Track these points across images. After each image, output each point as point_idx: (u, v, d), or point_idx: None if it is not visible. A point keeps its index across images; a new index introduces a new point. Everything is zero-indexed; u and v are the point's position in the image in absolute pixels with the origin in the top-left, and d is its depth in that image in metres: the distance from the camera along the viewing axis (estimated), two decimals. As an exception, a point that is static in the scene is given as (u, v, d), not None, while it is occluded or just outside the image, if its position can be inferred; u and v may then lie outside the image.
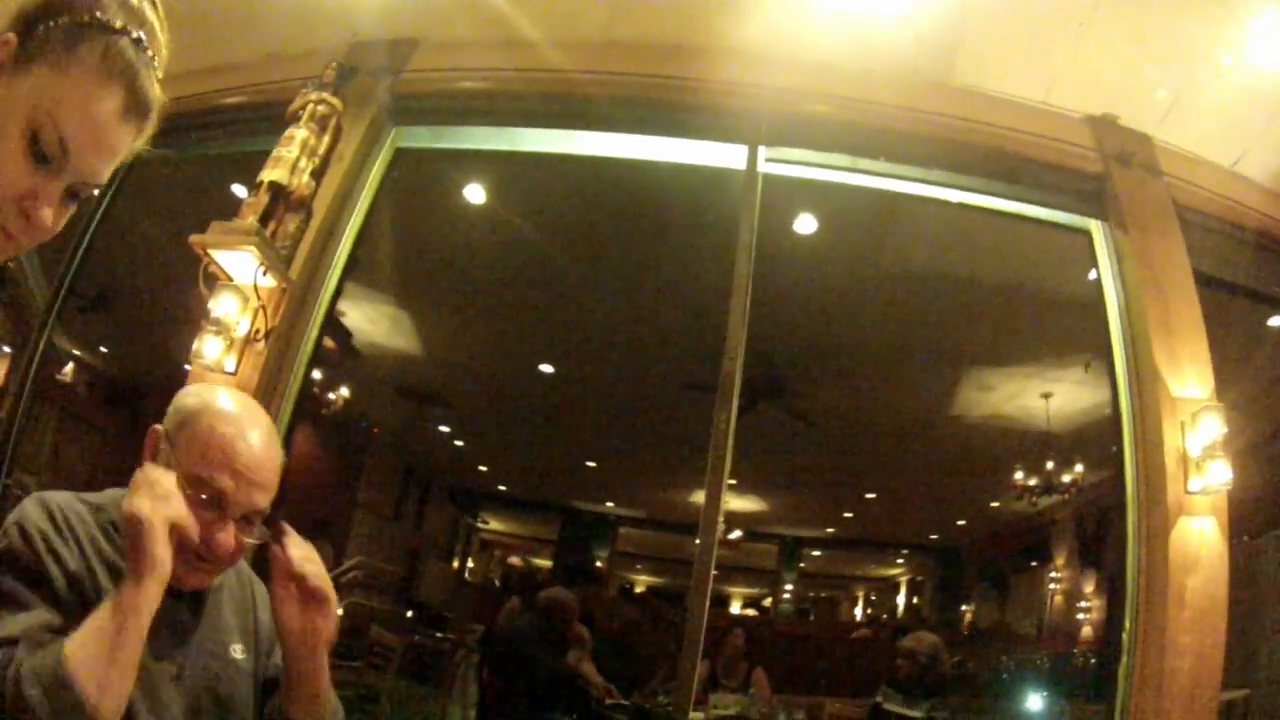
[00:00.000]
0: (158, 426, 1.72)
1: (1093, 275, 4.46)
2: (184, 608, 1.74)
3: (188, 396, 1.77)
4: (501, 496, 9.67)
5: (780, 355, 7.43)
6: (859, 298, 6.64)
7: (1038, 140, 4.41)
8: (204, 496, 1.65)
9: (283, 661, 1.79)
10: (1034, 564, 7.34)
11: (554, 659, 5.48)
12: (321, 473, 7.82)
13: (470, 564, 8.90)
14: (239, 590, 1.90)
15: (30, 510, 1.60)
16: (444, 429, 9.14)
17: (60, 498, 1.67)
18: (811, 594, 9.75)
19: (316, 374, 4.68)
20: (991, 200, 4.68)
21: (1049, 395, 6.78)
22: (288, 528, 1.75)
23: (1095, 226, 4.47)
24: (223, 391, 1.80)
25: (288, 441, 4.12)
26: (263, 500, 1.73)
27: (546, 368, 8.50)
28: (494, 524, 9.70)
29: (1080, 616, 6.26)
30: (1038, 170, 4.46)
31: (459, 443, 9.42)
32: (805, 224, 5.66)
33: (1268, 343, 5.03)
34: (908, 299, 6.49)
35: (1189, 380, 3.81)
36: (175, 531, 1.57)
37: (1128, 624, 3.71)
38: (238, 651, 1.83)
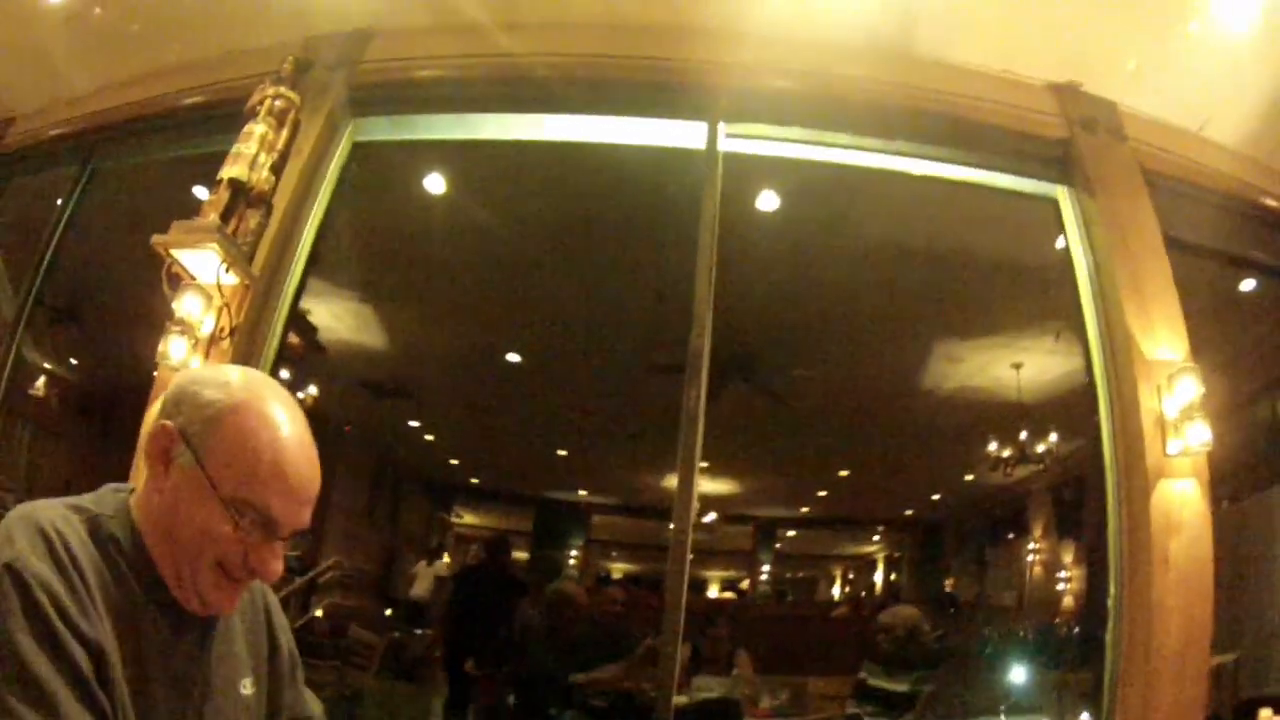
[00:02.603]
0: (168, 423, 1.43)
1: (1060, 243, 4.46)
2: (194, 637, 1.49)
3: (207, 387, 1.46)
4: (474, 489, 9.64)
5: (747, 334, 7.41)
6: (825, 273, 6.62)
7: (1001, 108, 4.41)
8: (250, 521, 1.42)
9: None
10: (1011, 535, 7.37)
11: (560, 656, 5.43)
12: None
13: (446, 559, 8.84)
14: (250, 610, 1.65)
15: (24, 550, 1.27)
16: (414, 424, 9.10)
17: (53, 514, 1.36)
18: (789, 574, 9.74)
19: (284, 373, 4.62)
20: (956, 170, 4.67)
21: (1020, 365, 6.79)
22: None
23: (1062, 193, 4.47)
24: (245, 378, 1.51)
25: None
26: (309, 516, 1.50)
27: (514, 357, 8.45)
28: (468, 518, 9.64)
29: (1061, 587, 6.29)
30: (1001, 138, 4.47)
31: (429, 437, 9.37)
32: (768, 201, 5.62)
33: (1240, 307, 5.05)
34: (874, 273, 6.48)
35: (1163, 343, 3.81)
36: (211, 554, 1.42)
37: (1112, 589, 3.72)
38: (246, 687, 1.58)
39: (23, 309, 5.18)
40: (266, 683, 1.63)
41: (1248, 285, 5.02)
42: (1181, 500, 3.59)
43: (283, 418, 1.47)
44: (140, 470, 1.49)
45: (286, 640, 1.69)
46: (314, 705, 1.76)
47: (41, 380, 5.68)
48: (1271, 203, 4.64)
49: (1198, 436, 3.57)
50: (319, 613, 5.75)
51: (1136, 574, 3.59)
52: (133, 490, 1.50)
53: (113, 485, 1.52)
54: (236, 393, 1.45)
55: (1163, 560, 3.50)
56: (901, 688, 5.13)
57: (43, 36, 4.96)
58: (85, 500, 1.45)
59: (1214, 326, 4.33)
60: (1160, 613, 3.45)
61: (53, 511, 1.37)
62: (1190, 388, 3.62)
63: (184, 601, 1.44)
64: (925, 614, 5.84)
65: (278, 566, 1.47)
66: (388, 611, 7.85)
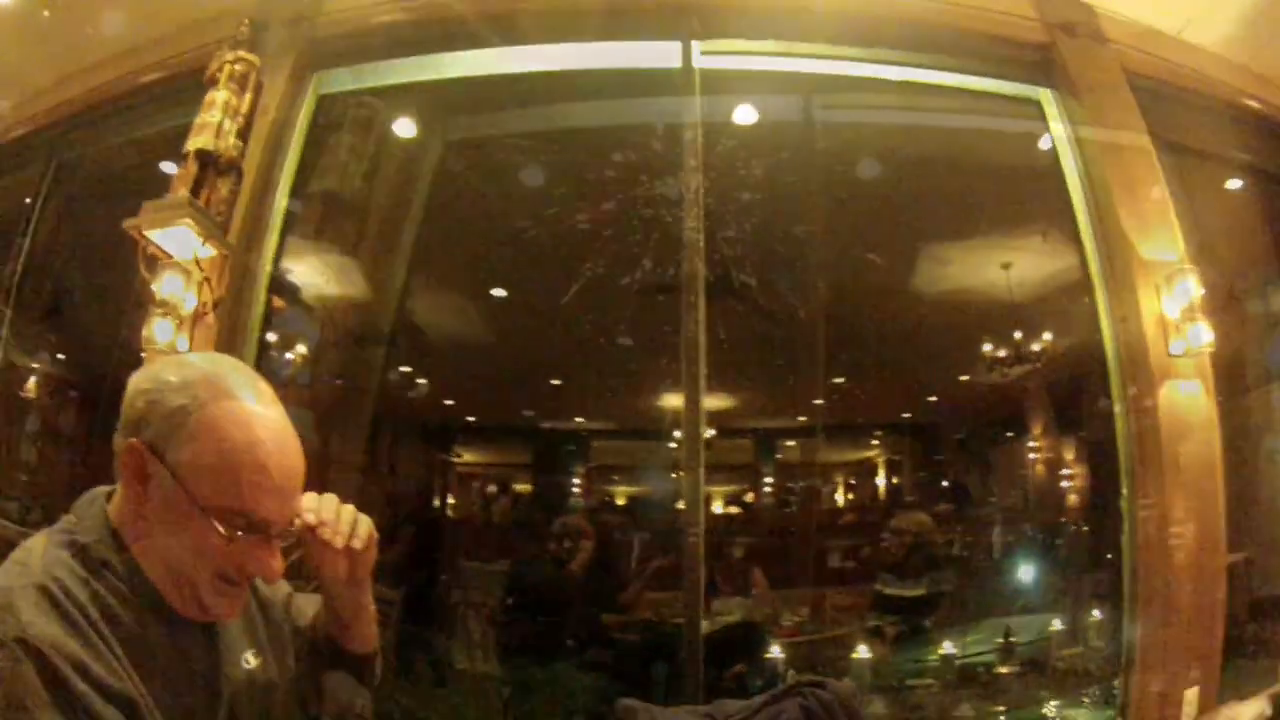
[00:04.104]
0: (135, 441, 1.38)
1: (1044, 144, 4.44)
2: (202, 638, 1.47)
3: (169, 393, 1.39)
4: (472, 428, 9.66)
5: (733, 248, 7.39)
6: (808, 184, 6.58)
7: (977, 13, 4.36)
8: (241, 527, 1.38)
9: (328, 604, 1.65)
10: (1010, 434, 7.41)
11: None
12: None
13: (450, 500, 8.87)
14: None
15: (31, 617, 1.21)
16: (405, 369, 9.10)
17: (46, 561, 1.31)
18: (790, 484, 9.80)
19: (270, 336, 4.61)
20: (934, 75, 4.64)
21: (1009, 265, 6.77)
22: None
23: (1045, 95, 4.44)
24: (206, 371, 1.44)
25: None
26: (298, 504, 1.49)
27: (499, 292, 8.41)
28: (468, 456, 9.67)
29: (1064, 485, 6.33)
30: (979, 43, 4.44)
31: (422, 381, 9.38)
32: (745, 115, 5.55)
33: (1227, 205, 5.05)
34: (858, 180, 6.44)
35: (1159, 244, 3.81)
36: (208, 567, 1.39)
37: (1125, 491, 3.75)
38: (250, 660, 1.56)
39: (3, 313, 5.15)
40: (270, 645, 1.62)
41: (1234, 184, 5.01)
42: (1189, 402, 3.61)
43: (255, 409, 1.42)
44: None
45: (266, 590, 1.66)
46: (308, 609, 1.76)
47: (32, 381, 5.61)
48: (1253, 104, 4.63)
49: (1200, 337, 3.58)
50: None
51: (1148, 479, 3.62)
52: (110, 493, 1.46)
53: (88, 496, 1.48)
54: (201, 393, 1.39)
55: (1174, 464, 3.54)
56: (918, 591, 5.21)
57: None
58: (67, 526, 1.41)
59: (1203, 226, 4.32)
60: (1174, 515, 3.49)
61: (45, 556, 1.33)
62: (1189, 288, 3.63)
63: (185, 613, 1.42)
64: (935, 514, 5.91)
65: (277, 565, 1.45)
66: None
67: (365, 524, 1.57)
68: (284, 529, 1.45)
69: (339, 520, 1.53)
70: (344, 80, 4.81)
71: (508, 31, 4.54)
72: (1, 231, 5.35)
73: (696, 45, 4.42)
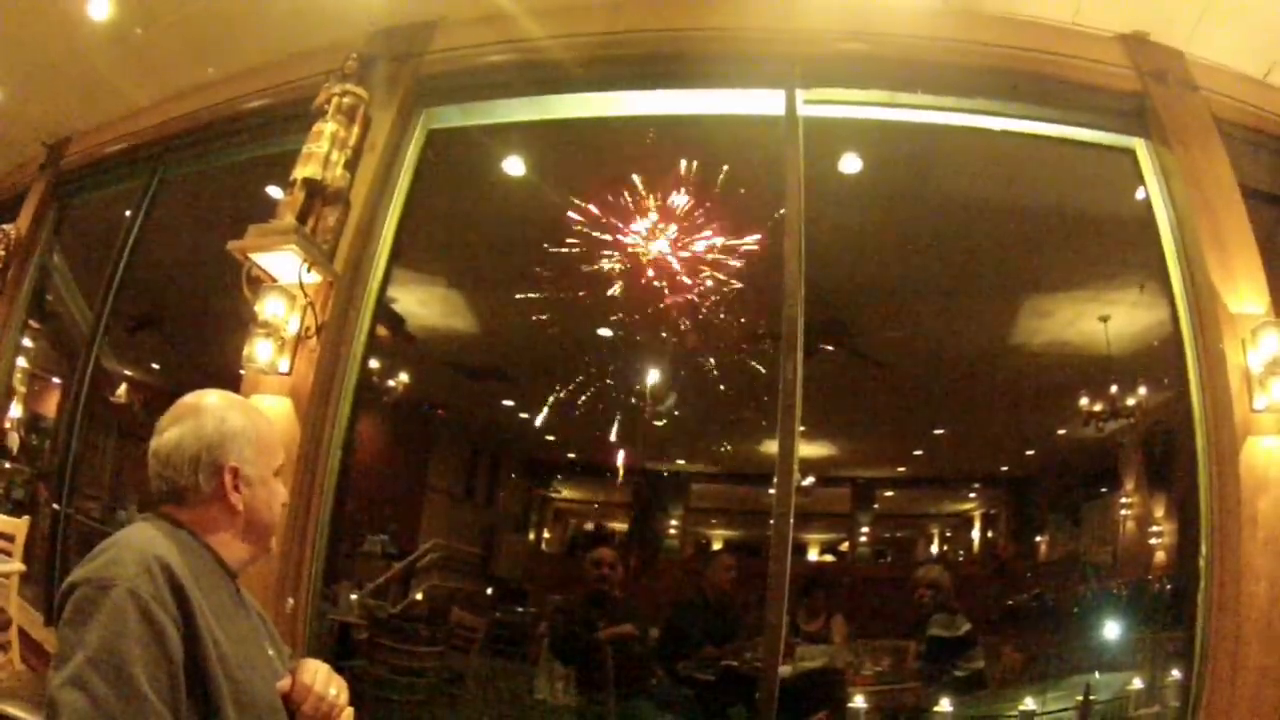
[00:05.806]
0: (232, 464, 1.80)
1: (1140, 194, 4.37)
2: (246, 606, 1.87)
3: (224, 421, 1.83)
4: (572, 464, 9.71)
5: (838, 297, 7.36)
6: (911, 233, 6.55)
7: (1073, 61, 4.35)
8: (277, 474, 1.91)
9: None
10: (1104, 490, 7.21)
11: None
12: (388, 460, 7.88)
13: (546, 535, 8.93)
14: (245, 600, 1.91)
15: (134, 570, 1.56)
16: (508, 403, 9.20)
17: (149, 539, 1.66)
18: (887, 535, 9.65)
19: (374, 363, 4.71)
20: (1033, 125, 4.61)
21: (1107, 318, 6.63)
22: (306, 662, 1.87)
23: (1139, 145, 4.38)
24: (213, 396, 1.90)
25: (351, 433, 4.20)
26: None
27: (604, 332, 8.47)
28: (567, 493, 9.72)
29: (1153, 542, 6.15)
30: (1076, 91, 4.41)
31: (524, 415, 9.47)
32: (850, 164, 5.55)
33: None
34: (960, 230, 6.38)
35: (1246, 296, 3.72)
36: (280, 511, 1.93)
37: (1203, 549, 3.64)
38: (270, 655, 1.86)
39: (99, 321, 5.38)
40: (277, 648, 1.91)
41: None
42: (1269, 458, 3.50)
43: (250, 407, 1.96)
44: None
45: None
46: None
47: (123, 388, 5.83)
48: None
49: (1282, 392, 3.48)
50: (419, 595, 5.85)
51: (1225, 534, 3.51)
52: (162, 512, 1.80)
53: (141, 518, 1.80)
54: (223, 405, 1.87)
55: (1251, 519, 3.43)
56: (959, 631, 5.16)
57: (90, 57, 5.11)
58: (151, 527, 1.74)
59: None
60: (1249, 574, 3.38)
61: (148, 538, 1.66)
62: (1275, 342, 3.52)
63: (262, 554, 1.92)
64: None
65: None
66: (489, 591, 7.93)
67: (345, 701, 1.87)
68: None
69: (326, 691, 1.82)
70: (454, 116, 4.93)
71: (616, 76, 4.66)
72: (98, 242, 5.56)
73: (800, 93, 4.44)
